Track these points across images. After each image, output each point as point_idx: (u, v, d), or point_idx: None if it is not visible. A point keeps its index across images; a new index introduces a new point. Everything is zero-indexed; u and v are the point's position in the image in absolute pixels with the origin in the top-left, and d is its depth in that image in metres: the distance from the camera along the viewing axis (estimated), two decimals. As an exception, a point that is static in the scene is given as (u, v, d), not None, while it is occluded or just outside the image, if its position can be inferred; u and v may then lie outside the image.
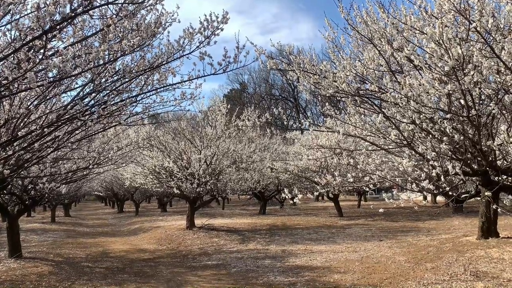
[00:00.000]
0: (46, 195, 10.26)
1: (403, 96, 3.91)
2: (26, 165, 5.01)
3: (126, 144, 8.85)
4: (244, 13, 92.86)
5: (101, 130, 5.56)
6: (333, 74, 5.03)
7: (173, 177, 15.25)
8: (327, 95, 5.15)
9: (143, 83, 5.26)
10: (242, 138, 16.95)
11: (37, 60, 3.25)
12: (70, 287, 7.78)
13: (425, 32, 3.83)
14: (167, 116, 18.79)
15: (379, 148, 6.24)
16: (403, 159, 4.72)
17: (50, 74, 4.50)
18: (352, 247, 11.25)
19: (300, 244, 12.22)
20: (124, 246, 13.46)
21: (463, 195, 14.22)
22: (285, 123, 6.14)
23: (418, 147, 4.86)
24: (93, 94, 4.60)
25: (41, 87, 4.03)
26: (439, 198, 28.88)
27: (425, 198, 31.03)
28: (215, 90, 72.69)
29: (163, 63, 4.52)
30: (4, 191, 10.27)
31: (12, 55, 3.45)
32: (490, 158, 6.39)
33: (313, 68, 5.52)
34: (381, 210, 6.79)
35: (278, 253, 10.97)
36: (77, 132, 5.27)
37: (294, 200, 7.15)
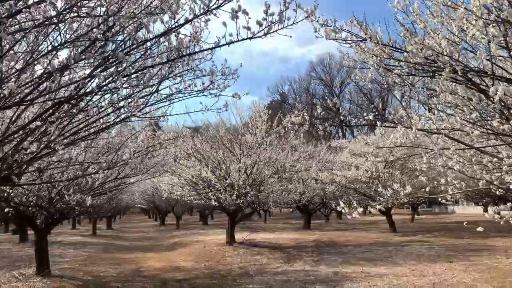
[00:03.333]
0: (75, 208, 9.45)
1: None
2: (21, 168, 4.07)
3: (147, 145, 7.75)
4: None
5: (112, 123, 4.48)
6: (415, 41, 3.72)
7: (211, 188, 14.20)
8: (416, 63, 3.81)
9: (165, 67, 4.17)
10: (284, 146, 15.60)
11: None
12: (92, 314, 6.79)
13: None
14: (206, 126, 17.87)
15: (468, 147, 4.77)
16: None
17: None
18: (418, 270, 9.55)
19: (353, 265, 10.65)
20: (159, 263, 12.48)
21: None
22: (341, 117, 4.81)
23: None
24: (97, 70, 3.47)
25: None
26: (504, 212, 25.87)
27: (485, 210, 28.03)
28: (255, 102, 72.01)
29: (183, 23, 3.38)
30: (31, 202, 9.58)
31: None
32: None
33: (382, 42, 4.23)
34: (465, 224, 5.29)
35: (329, 275, 9.47)
36: (73, 124, 4.23)
37: (353, 215, 5.77)
